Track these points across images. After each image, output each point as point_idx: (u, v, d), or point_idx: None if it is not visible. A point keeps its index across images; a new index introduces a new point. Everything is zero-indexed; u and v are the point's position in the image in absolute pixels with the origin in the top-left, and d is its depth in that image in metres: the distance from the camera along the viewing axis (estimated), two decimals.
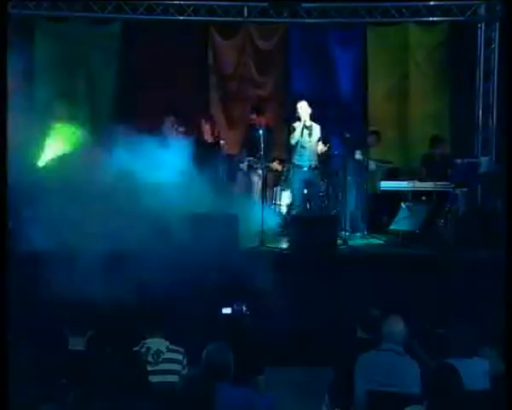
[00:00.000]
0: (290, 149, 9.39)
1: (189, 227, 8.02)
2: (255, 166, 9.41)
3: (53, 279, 6.26)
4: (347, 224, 9.20)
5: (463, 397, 3.63)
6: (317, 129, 9.13)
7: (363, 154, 9.42)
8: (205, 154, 9.15)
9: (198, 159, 9.09)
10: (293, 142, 9.05)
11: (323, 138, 9.25)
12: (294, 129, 9.03)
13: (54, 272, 6.32)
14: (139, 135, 7.99)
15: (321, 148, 9.12)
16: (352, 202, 9.42)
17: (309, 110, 9.01)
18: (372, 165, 9.56)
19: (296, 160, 9.12)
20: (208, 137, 9.50)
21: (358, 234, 9.36)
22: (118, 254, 6.92)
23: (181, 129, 9.28)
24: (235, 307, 5.14)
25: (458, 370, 3.75)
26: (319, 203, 9.39)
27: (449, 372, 3.73)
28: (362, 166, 9.45)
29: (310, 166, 9.10)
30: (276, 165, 9.64)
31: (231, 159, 9.84)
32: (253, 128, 9.67)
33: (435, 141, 9.91)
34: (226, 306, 5.15)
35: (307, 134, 9.02)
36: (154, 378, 4.28)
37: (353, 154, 9.31)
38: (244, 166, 9.57)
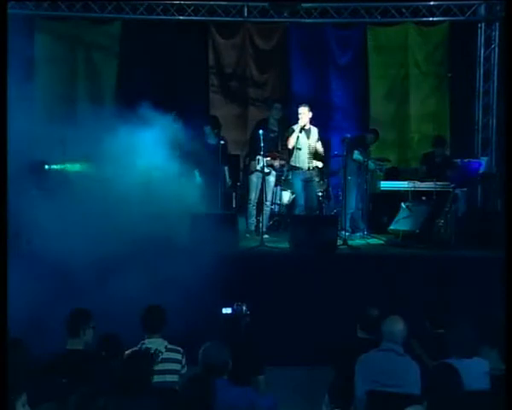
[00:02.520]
0: (290, 150, 9.35)
1: (189, 227, 8.04)
2: (256, 165, 9.37)
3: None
4: (347, 224, 9.21)
5: (463, 397, 3.63)
6: (314, 131, 9.12)
7: (361, 154, 9.42)
8: (207, 154, 9.13)
9: (200, 159, 9.09)
10: (289, 146, 9.03)
11: (321, 140, 9.25)
12: (293, 132, 9.01)
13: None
14: (139, 133, 7.98)
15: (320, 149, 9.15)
16: (352, 202, 9.42)
17: (310, 114, 8.98)
18: (370, 164, 9.56)
19: (295, 161, 9.10)
20: (210, 138, 9.48)
21: (358, 234, 9.36)
22: (118, 252, 6.90)
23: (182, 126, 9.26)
24: (235, 306, 5.13)
25: (458, 370, 3.75)
26: (317, 203, 9.41)
27: (449, 372, 3.73)
28: (362, 166, 9.45)
29: (308, 167, 9.09)
30: (272, 161, 9.53)
31: (232, 159, 9.82)
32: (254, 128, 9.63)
33: (438, 141, 9.90)
34: (226, 306, 5.14)
35: (305, 138, 9.01)
36: (153, 378, 4.27)
37: (352, 154, 9.31)
38: (260, 166, 9.48)
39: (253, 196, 9.41)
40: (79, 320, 4.78)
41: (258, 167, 9.24)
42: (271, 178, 9.39)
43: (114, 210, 7.04)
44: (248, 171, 9.53)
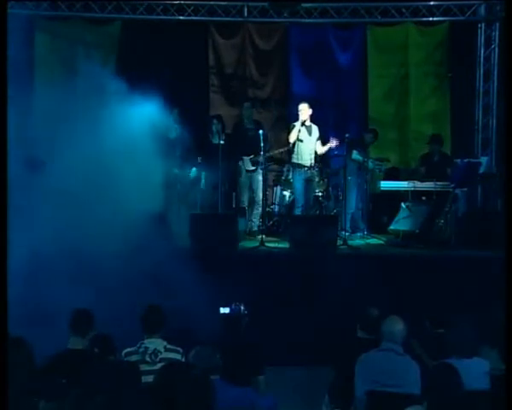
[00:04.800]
0: (290, 149, 9.36)
1: (189, 226, 8.05)
2: (256, 166, 9.37)
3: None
4: (348, 224, 9.21)
5: (463, 397, 3.62)
6: (316, 129, 9.14)
7: (359, 154, 9.42)
8: (208, 154, 9.13)
9: (201, 159, 9.09)
10: (290, 141, 9.06)
11: (322, 138, 9.24)
12: (294, 126, 9.03)
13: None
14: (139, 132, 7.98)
15: (320, 149, 9.12)
16: (352, 202, 9.42)
17: (309, 111, 9.02)
18: (369, 163, 9.56)
19: (296, 159, 9.12)
20: (213, 138, 9.49)
21: (359, 234, 9.36)
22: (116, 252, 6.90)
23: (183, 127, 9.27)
24: (232, 306, 5.13)
25: (458, 370, 3.74)
26: (318, 202, 9.42)
27: (449, 372, 3.73)
28: (362, 166, 9.46)
29: (309, 166, 9.10)
30: (278, 153, 9.57)
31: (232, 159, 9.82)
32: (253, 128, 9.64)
33: (434, 139, 9.90)
34: (224, 306, 5.15)
35: (307, 133, 9.03)
36: (151, 378, 4.26)
37: (350, 154, 9.31)
38: (245, 165, 9.50)
39: (245, 197, 9.45)
40: (87, 321, 4.78)
41: (246, 168, 9.32)
42: (259, 177, 9.35)
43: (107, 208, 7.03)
44: (236, 173, 9.55)
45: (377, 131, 9.94)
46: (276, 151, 9.61)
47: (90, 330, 4.77)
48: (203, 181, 9.21)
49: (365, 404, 4.38)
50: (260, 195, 9.25)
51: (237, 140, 9.46)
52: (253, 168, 9.32)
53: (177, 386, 3.05)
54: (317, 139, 9.16)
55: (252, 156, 9.20)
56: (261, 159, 9.24)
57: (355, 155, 9.37)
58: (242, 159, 9.38)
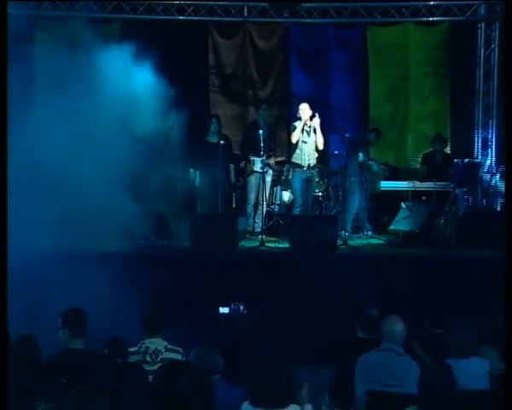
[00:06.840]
0: (290, 149, 9.36)
1: (189, 226, 8.06)
2: (256, 166, 9.37)
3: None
4: (349, 223, 9.21)
5: (456, 397, 3.62)
6: (317, 123, 9.12)
7: (364, 156, 9.42)
8: (207, 153, 9.13)
9: (200, 159, 9.09)
10: (293, 141, 9.06)
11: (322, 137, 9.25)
12: (295, 128, 9.03)
13: None
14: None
15: (320, 143, 9.11)
16: (356, 202, 9.41)
17: (310, 112, 9.01)
18: (374, 166, 9.56)
19: (296, 158, 9.12)
20: (211, 137, 9.48)
21: (360, 234, 9.37)
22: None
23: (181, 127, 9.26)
24: (232, 306, 5.14)
25: (454, 370, 3.74)
26: (317, 202, 9.41)
27: (442, 372, 3.72)
28: (364, 166, 9.45)
29: (309, 166, 9.10)
30: (273, 160, 9.58)
31: (232, 159, 9.82)
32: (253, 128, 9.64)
33: (437, 138, 9.90)
34: (224, 305, 5.16)
35: (307, 133, 9.02)
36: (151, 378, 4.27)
37: (357, 156, 9.30)
38: (255, 166, 9.46)
39: (252, 197, 9.42)
40: (84, 320, 4.78)
41: (256, 168, 9.27)
42: (268, 178, 9.36)
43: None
44: (245, 173, 9.52)
45: (380, 131, 9.94)
46: (272, 160, 9.59)
47: (86, 328, 4.77)
48: (200, 180, 9.20)
49: (365, 404, 4.38)
50: (266, 195, 9.25)
51: (250, 140, 9.44)
52: (265, 170, 9.27)
53: (177, 386, 3.05)
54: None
55: (264, 158, 9.15)
56: (272, 161, 9.24)
57: (361, 157, 9.35)
58: (253, 159, 9.34)
